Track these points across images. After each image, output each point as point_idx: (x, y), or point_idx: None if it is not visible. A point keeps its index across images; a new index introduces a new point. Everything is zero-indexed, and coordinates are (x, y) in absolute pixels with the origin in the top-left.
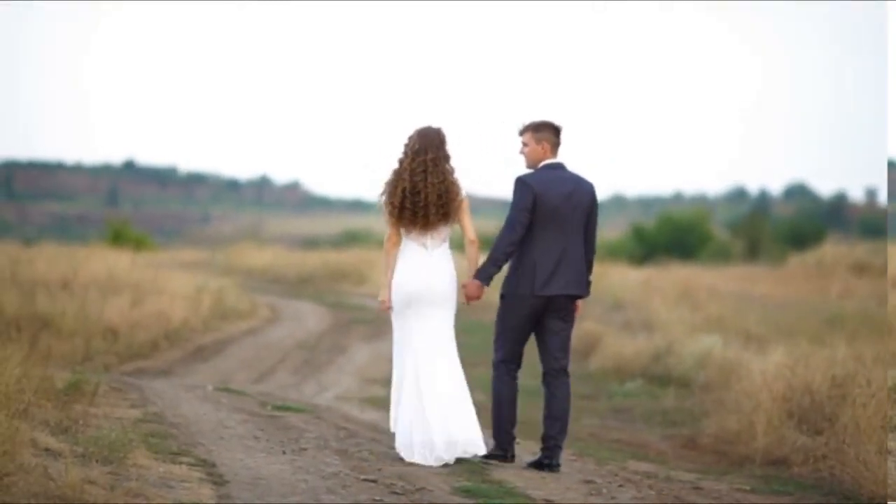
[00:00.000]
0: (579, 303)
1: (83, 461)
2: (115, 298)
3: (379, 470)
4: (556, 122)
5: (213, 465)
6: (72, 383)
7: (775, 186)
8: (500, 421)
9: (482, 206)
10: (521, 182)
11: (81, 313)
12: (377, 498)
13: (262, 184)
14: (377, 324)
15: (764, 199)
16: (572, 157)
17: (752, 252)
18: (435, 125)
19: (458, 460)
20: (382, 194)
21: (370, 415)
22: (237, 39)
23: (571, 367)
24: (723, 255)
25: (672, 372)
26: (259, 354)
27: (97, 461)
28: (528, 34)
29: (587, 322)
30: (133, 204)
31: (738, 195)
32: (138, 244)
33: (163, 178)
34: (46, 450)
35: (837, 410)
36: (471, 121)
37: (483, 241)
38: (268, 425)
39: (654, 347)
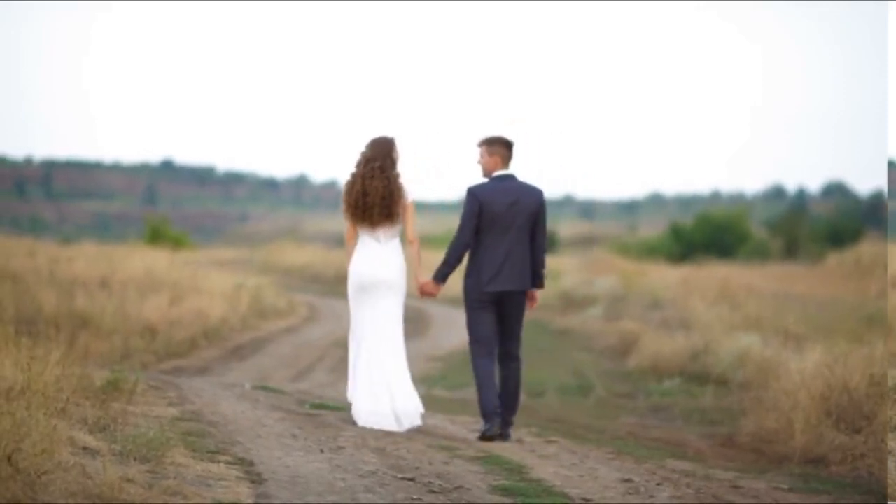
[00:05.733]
0: (537, 294)
1: (121, 459)
2: (154, 297)
3: (417, 468)
4: (508, 137)
5: (251, 464)
6: (110, 382)
7: (813, 185)
8: (480, 395)
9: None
10: (469, 192)
11: (120, 312)
12: (415, 497)
13: (300, 183)
14: (415, 322)
15: (802, 197)
16: (612, 156)
17: (791, 251)
18: (388, 136)
19: (494, 459)
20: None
21: None
22: (275, 39)
23: (609, 366)
24: (761, 254)
25: (710, 370)
26: (297, 353)
27: (135, 459)
28: (566, 34)
29: (625, 321)
30: (171, 203)
31: (777, 194)
32: (176, 243)
33: (201, 177)
34: (84, 448)
35: (876, 409)
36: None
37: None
38: (305, 424)
39: (692, 346)
